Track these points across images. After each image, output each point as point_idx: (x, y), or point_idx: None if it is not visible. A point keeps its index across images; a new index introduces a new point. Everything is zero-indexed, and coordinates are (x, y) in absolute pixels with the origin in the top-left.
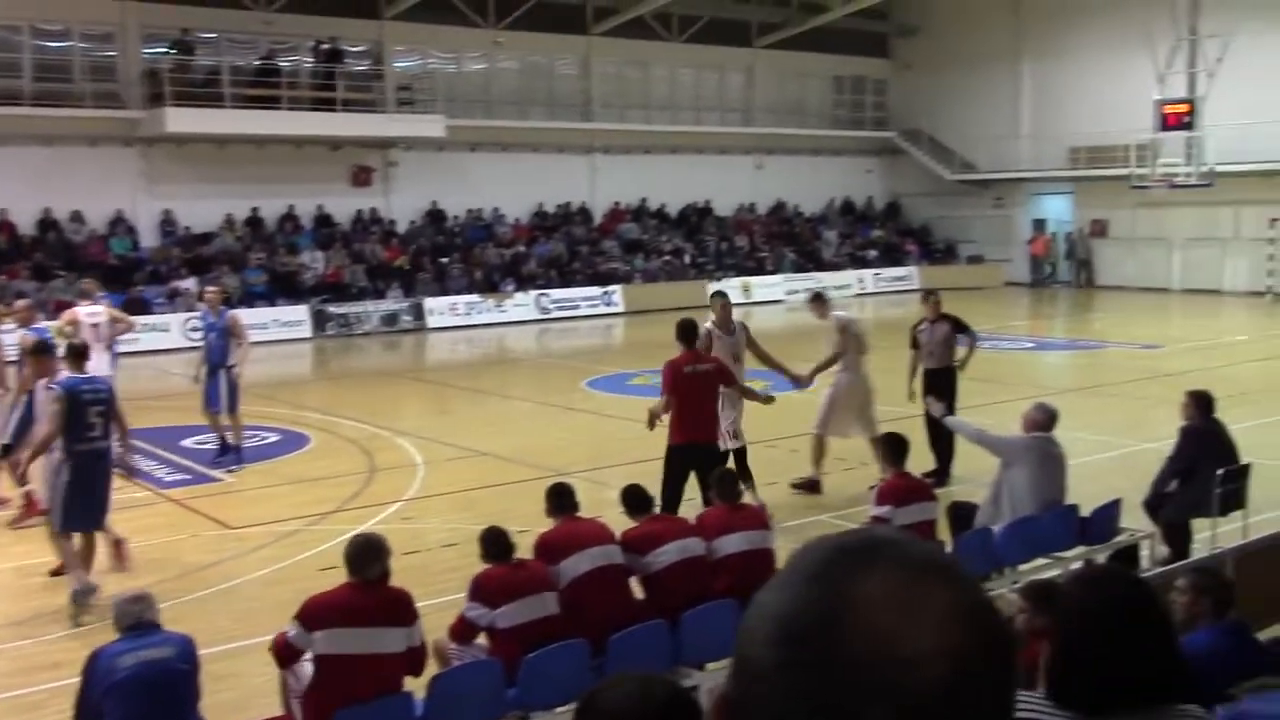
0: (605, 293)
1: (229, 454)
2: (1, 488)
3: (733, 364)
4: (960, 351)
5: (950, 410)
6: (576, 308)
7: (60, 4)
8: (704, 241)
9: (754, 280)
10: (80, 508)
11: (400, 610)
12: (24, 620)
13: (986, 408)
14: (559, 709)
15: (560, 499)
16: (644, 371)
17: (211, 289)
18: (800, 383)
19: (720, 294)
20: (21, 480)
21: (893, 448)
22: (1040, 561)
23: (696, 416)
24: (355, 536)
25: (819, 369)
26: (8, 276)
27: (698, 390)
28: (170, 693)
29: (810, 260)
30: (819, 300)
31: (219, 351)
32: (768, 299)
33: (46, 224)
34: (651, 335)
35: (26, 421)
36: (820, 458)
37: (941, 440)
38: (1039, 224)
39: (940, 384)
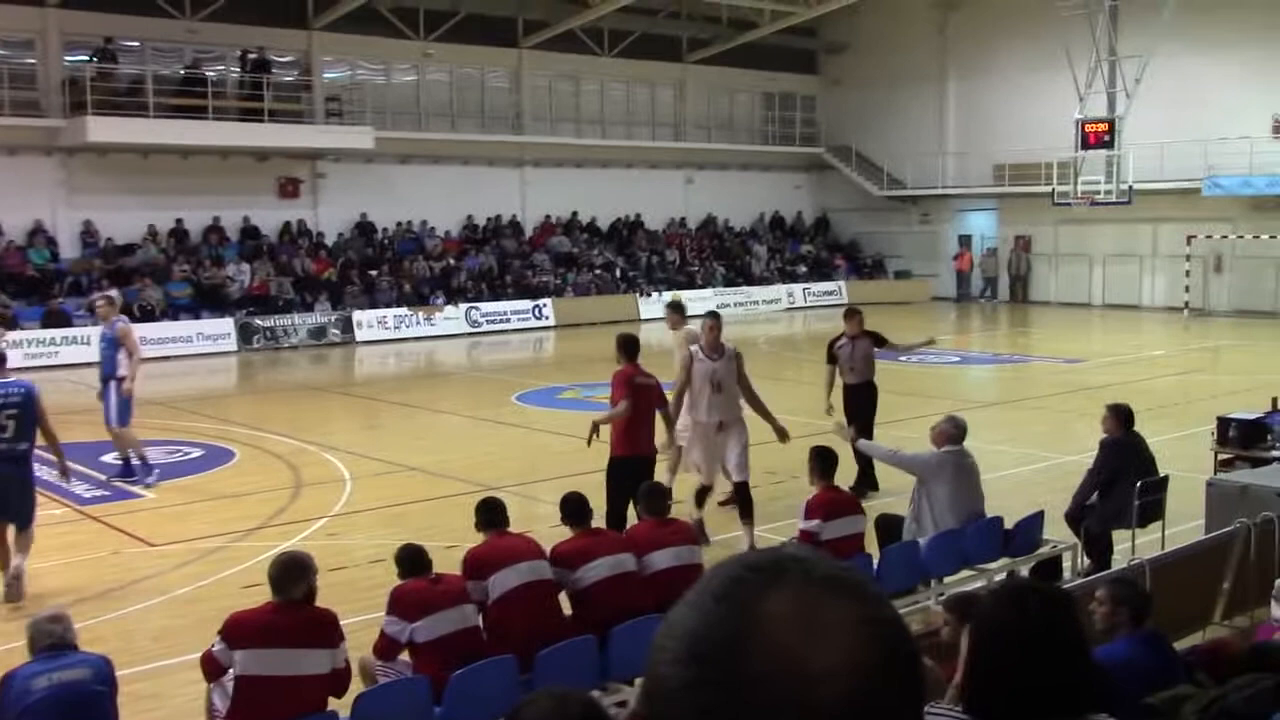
0: (536, 306)
1: (132, 472)
2: None
3: (711, 391)
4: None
5: (869, 426)
6: (507, 321)
7: None
8: (635, 255)
9: (685, 294)
10: None
11: (324, 631)
12: None
13: (910, 421)
14: None
15: (490, 513)
16: (574, 385)
17: (101, 298)
18: (783, 437)
19: (713, 314)
20: None
21: (822, 461)
22: (965, 573)
23: (640, 429)
24: (279, 555)
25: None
26: None
27: (645, 402)
28: (86, 715)
29: (740, 274)
30: (676, 309)
31: (109, 363)
32: (698, 313)
33: None
34: (582, 349)
35: None
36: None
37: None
38: (964, 240)
39: (860, 399)
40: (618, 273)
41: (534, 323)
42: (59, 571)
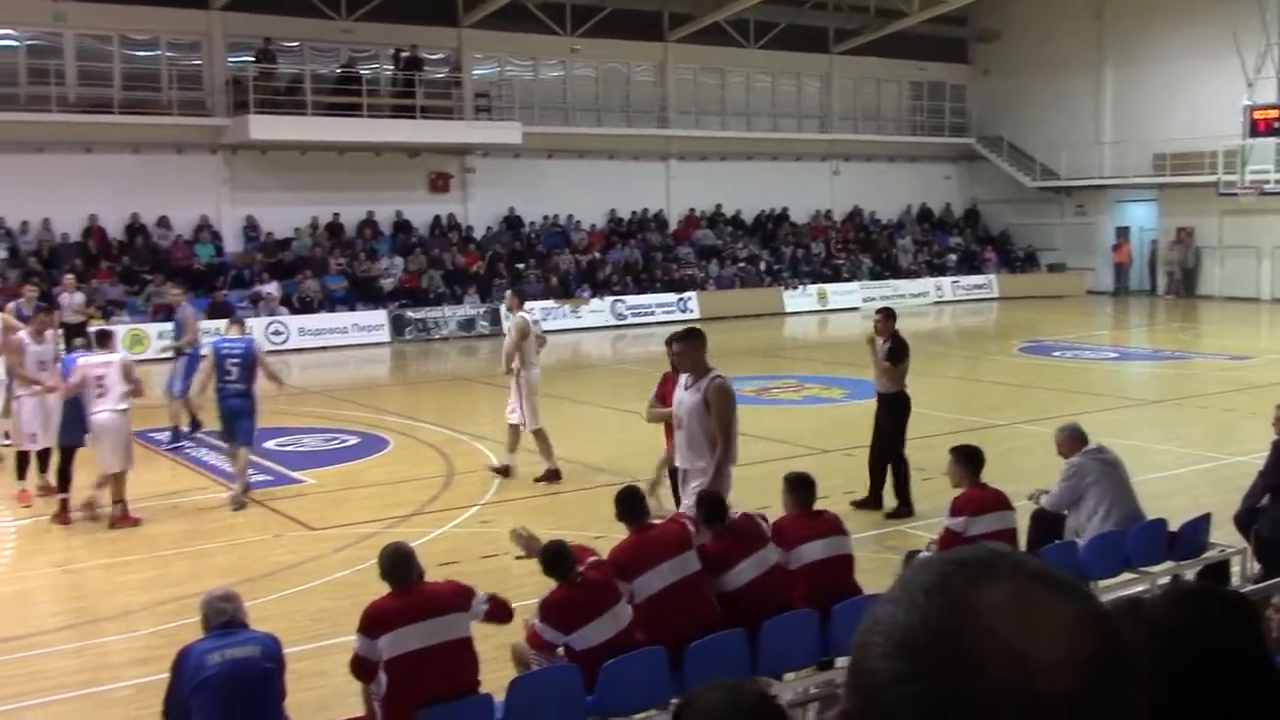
0: (680, 299)
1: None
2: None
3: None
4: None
5: (890, 443)
6: (652, 314)
7: (149, 15)
8: (779, 248)
9: (830, 288)
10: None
11: (452, 598)
12: (111, 617)
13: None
14: (636, 715)
15: (631, 505)
16: None
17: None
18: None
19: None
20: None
21: (967, 460)
22: (1127, 576)
23: None
24: (384, 551)
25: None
26: (98, 280)
27: None
28: (256, 691)
29: (887, 267)
30: (517, 296)
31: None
32: (844, 306)
33: (134, 229)
34: (727, 342)
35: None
36: (516, 446)
37: (877, 467)
38: (1122, 231)
39: (885, 407)
40: (762, 266)
41: (678, 315)
42: (225, 552)
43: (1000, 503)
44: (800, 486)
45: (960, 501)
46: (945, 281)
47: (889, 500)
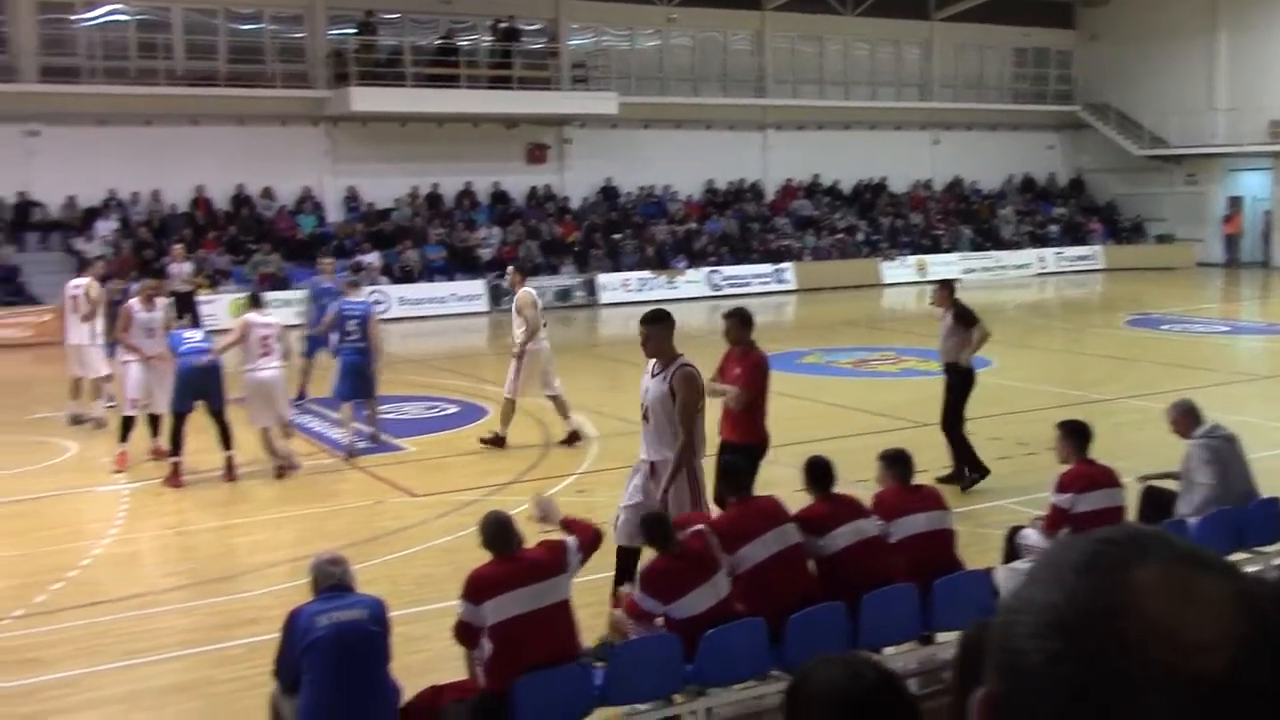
0: (777, 270)
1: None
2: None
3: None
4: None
5: (952, 418)
6: (748, 285)
7: None
8: (877, 219)
9: (929, 259)
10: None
11: (552, 561)
12: (224, 577)
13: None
14: (735, 686)
15: (731, 478)
16: (815, 350)
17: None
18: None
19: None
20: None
21: (1075, 435)
22: (1240, 556)
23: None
24: (486, 519)
25: (524, 345)
26: (205, 250)
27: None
28: (364, 653)
29: (988, 238)
30: (519, 272)
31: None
32: (943, 278)
33: (240, 200)
34: (823, 313)
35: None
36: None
37: (958, 441)
38: (1235, 201)
39: (950, 381)
40: (860, 237)
41: (774, 286)
42: (330, 517)
43: (1109, 479)
44: (897, 463)
45: (1067, 478)
46: (1048, 253)
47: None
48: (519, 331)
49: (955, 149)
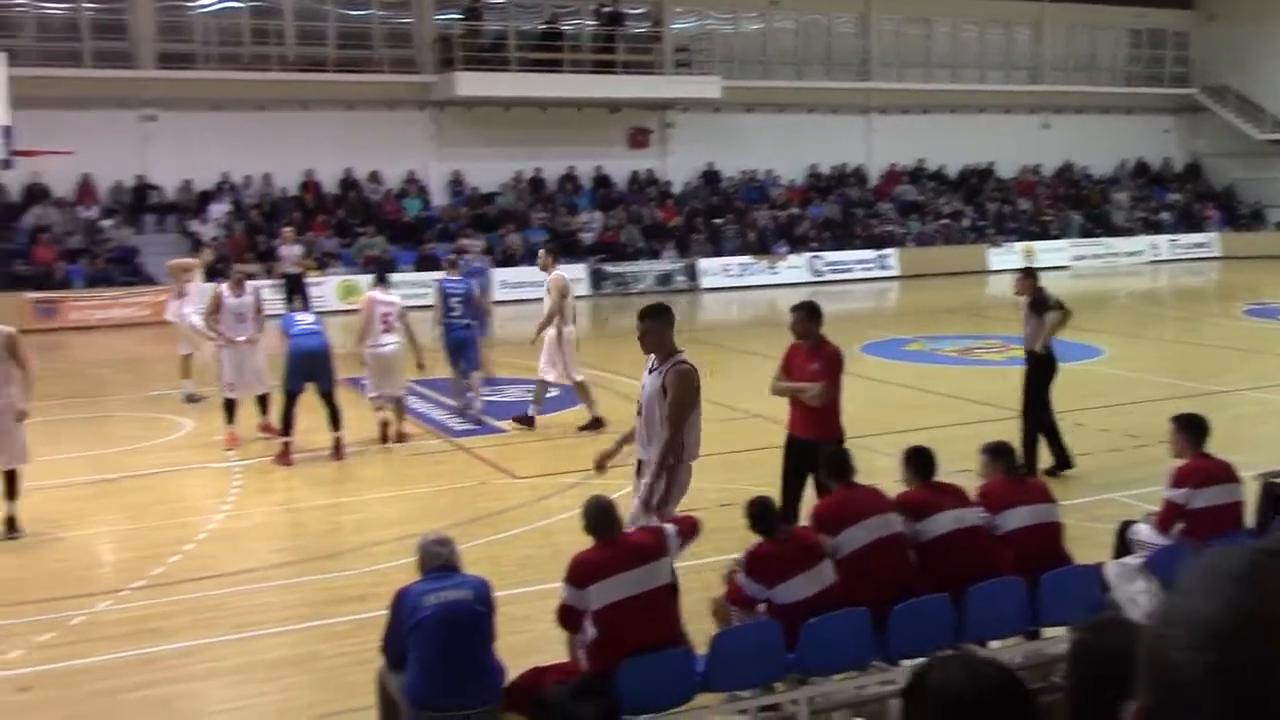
0: (880, 256)
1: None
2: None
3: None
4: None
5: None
6: (850, 270)
7: None
8: (984, 204)
9: (1037, 245)
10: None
11: (654, 546)
12: (331, 555)
13: None
14: (837, 676)
15: (836, 465)
16: (920, 337)
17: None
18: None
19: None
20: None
21: (1190, 429)
22: None
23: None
24: (587, 504)
25: (542, 328)
26: (314, 232)
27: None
28: (469, 632)
29: (1099, 224)
30: (550, 254)
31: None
32: (1052, 264)
33: (348, 183)
34: (928, 300)
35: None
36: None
37: (1045, 430)
38: None
39: (1029, 368)
40: (965, 222)
41: (877, 272)
42: (434, 497)
43: (1226, 474)
44: (1002, 454)
45: (1182, 473)
46: (1162, 240)
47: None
48: (551, 314)
49: (1066, 133)
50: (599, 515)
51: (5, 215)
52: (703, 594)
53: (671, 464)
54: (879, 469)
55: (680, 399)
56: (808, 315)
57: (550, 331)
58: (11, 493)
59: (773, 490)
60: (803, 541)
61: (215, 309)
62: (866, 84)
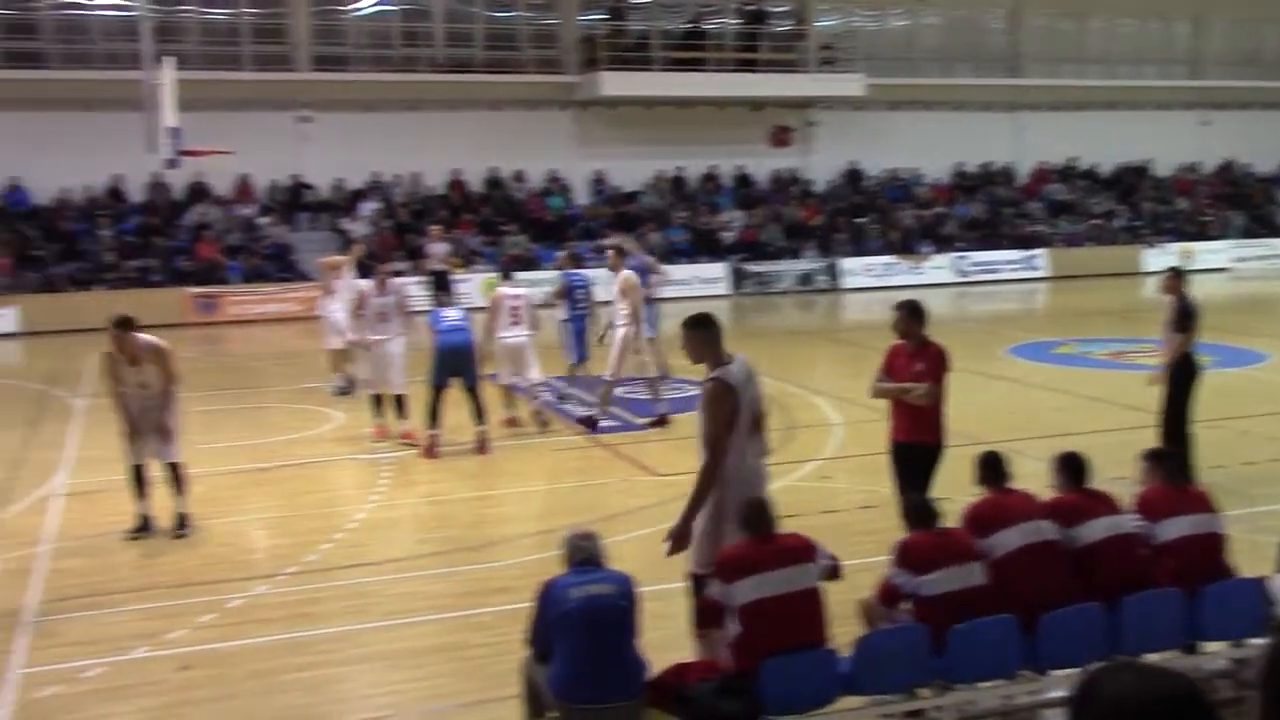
0: (1028, 256)
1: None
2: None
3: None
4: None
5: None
6: (997, 271)
7: None
8: (1138, 204)
9: (1196, 246)
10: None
11: (803, 550)
12: (476, 546)
13: None
14: (984, 684)
15: (990, 469)
16: (1070, 340)
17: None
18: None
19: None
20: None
21: None
22: None
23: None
24: (750, 500)
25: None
26: (460, 230)
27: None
28: (613, 627)
29: (1263, 225)
30: (619, 253)
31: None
32: (1212, 266)
33: (492, 182)
34: (1079, 302)
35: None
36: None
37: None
38: None
39: (1170, 379)
40: (1119, 222)
41: (1025, 273)
42: (576, 492)
43: None
44: (1163, 461)
45: None
46: None
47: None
48: (622, 313)
49: (1227, 130)
50: (754, 512)
51: (169, 213)
52: (847, 595)
53: (713, 493)
54: (1026, 473)
55: (709, 416)
56: (910, 314)
57: (626, 330)
58: (179, 488)
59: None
60: (957, 537)
61: (359, 306)
62: (1017, 80)
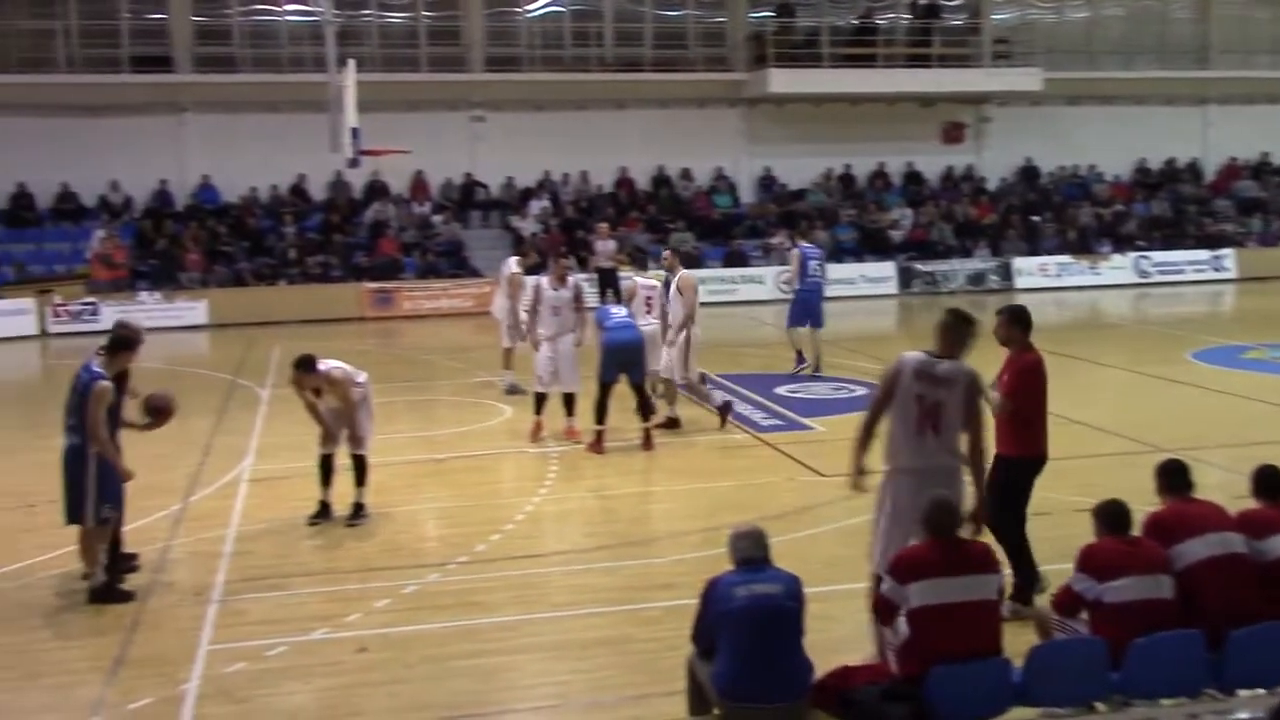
0: (1215, 257)
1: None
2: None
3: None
4: None
5: None
6: (1181, 272)
7: None
8: None
9: None
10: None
11: (985, 559)
12: (640, 542)
13: None
14: (1165, 702)
15: (1172, 477)
16: (1260, 345)
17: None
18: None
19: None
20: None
21: None
22: None
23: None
24: (933, 499)
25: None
26: (627, 228)
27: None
28: (778, 627)
29: None
30: (675, 254)
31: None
32: None
33: (659, 180)
34: (1269, 306)
35: None
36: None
37: None
38: None
39: None
40: None
41: (1211, 275)
42: (740, 491)
43: None
44: None
45: None
46: None
47: None
48: (681, 314)
49: None
50: (939, 512)
51: (349, 211)
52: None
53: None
54: (1211, 484)
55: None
56: (1009, 320)
57: (686, 331)
58: (361, 478)
59: (1083, 499)
60: (1146, 547)
61: (535, 302)
62: (1204, 73)
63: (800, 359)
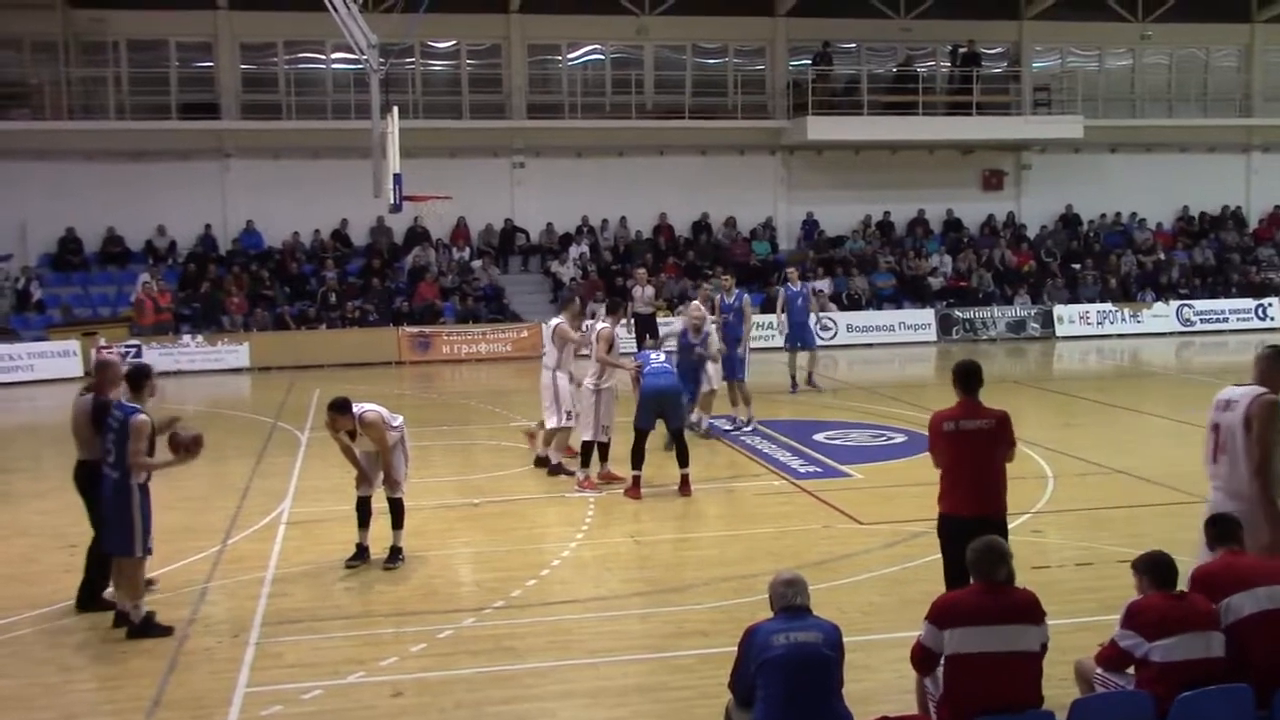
0: (1260, 305)
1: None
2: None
3: None
4: None
5: None
6: (1225, 321)
7: (720, 24)
8: None
9: None
10: None
11: (1031, 609)
12: (676, 588)
13: None
14: None
15: (1220, 529)
16: None
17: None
18: None
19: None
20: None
21: None
22: None
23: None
24: (978, 541)
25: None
26: (665, 274)
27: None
28: (817, 676)
29: None
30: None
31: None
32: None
33: (700, 226)
34: None
35: None
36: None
37: None
38: None
39: None
40: None
41: (1256, 324)
42: (776, 538)
43: None
44: None
45: None
46: None
47: None
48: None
49: None
50: (983, 555)
51: (390, 255)
52: (1061, 656)
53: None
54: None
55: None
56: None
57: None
58: (397, 521)
59: (1124, 550)
60: (1196, 603)
61: (609, 346)
62: (1249, 120)
63: (794, 384)
